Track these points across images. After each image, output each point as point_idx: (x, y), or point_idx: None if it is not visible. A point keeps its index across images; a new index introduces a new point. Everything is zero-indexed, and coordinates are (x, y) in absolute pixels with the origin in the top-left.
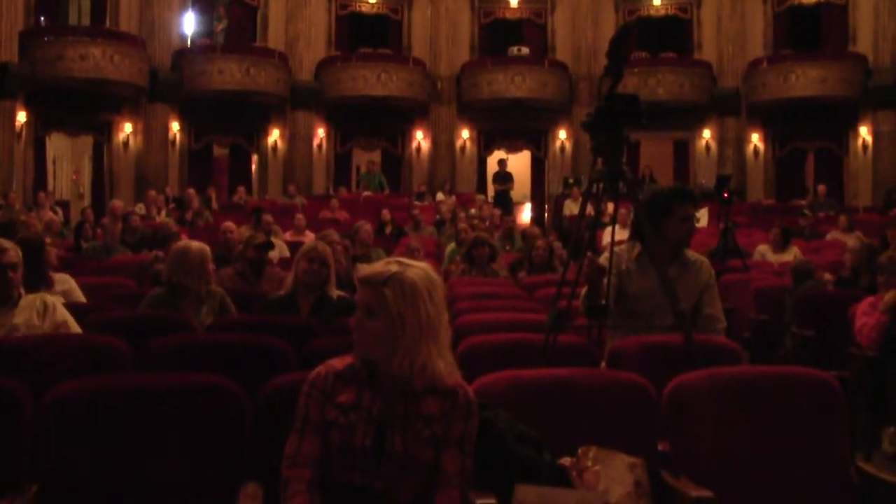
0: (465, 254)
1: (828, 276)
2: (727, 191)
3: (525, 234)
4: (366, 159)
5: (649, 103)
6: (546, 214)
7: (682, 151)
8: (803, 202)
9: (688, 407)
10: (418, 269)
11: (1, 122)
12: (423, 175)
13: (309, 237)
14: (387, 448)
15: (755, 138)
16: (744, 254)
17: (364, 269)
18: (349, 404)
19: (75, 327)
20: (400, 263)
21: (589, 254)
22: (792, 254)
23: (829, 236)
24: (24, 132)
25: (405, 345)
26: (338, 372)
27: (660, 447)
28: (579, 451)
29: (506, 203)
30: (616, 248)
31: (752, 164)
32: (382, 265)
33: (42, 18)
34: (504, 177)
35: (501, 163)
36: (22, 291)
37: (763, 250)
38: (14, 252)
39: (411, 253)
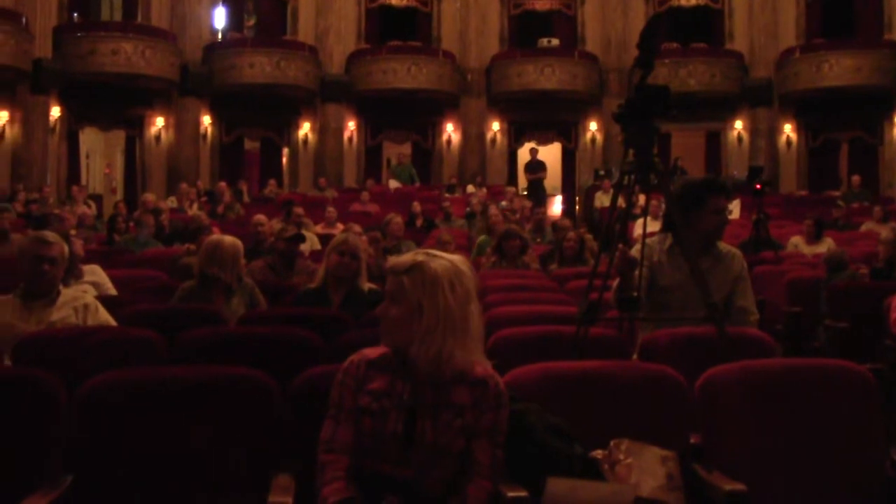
0: (496, 246)
1: (863, 270)
2: (759, 182)
3: (556, 226)
4: (396, 152)
5: (680, 94)
6: (577, 206)
7: (714, 142)
8: (837, 193)
9: (720, 400)
10: (444, 260)
11: (35, 117)
12: (453, 167)
13: (339, 230)
14: (417, 436)
15: (788, 129)
16: (777, 245)
17: (392, 260)
18: (382, 391)
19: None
20: (427, 254)
21: (620, 245)
22: (825, 245)
23: (863, 227)
24: (57, 127)
25: (423, 333)
26: (371, 360)
27: (692, 440)
28: (611, 443)
29: (539, 193)
30: (647, 240)
31: (784, 154)
32: (411, 255)
33: (75, 15)
34: (536, 166)
35: (533, 151)
36: (61, 288)
37: (796, 242)
38: (58, 247)
39: (442, 245)
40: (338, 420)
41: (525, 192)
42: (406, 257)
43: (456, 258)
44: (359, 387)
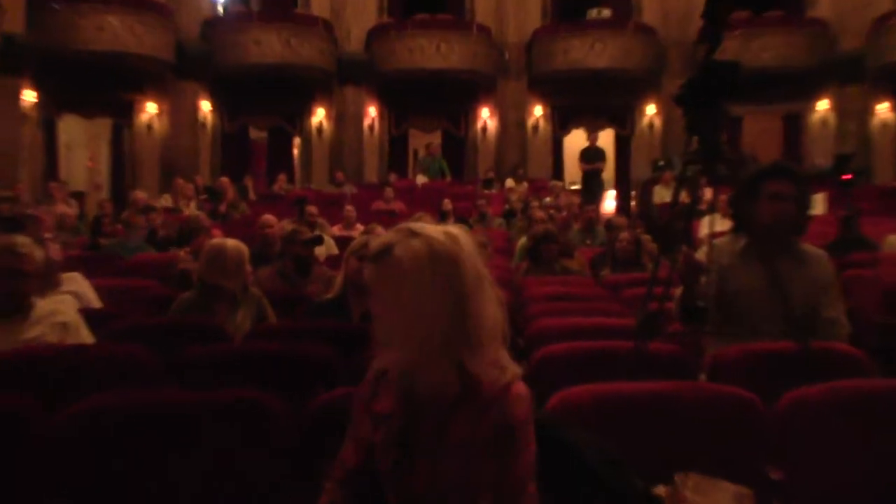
0: (531, 249)
1: None
2: (848, 171)
3: (609, 225)
4: (424, 142)
5: (753, 71)
6: (632, 202)
7: (793, 126)
8: None
9: (804, 427)
10: (426, 238)
11: (5, 103)
12: (489, 159)
13: (359, 231)
14: (406, 481)
15: (882, 109)
16: (870, 245)
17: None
18: (383, 415)
19: None
20: (408, 232)
21: (684, 248)
22: None
23: None
24: (32, 114)
25: (401, 340)
26: (382, 373)
27: (771, 475)
28: (676, 478)
29: (595, 186)
30: (716, 241)
31: (878, 139)
32: (390, 234)
33: None
34: (594, 154)
35: (592, 137)
36: (35, 300)
37: (893, 241)
38: (30, 257)
39: (480, 248)
40: (349, 441)
41: (576, 186)
42: (382, 237)
43: (452, 230)
44: (366, 407)
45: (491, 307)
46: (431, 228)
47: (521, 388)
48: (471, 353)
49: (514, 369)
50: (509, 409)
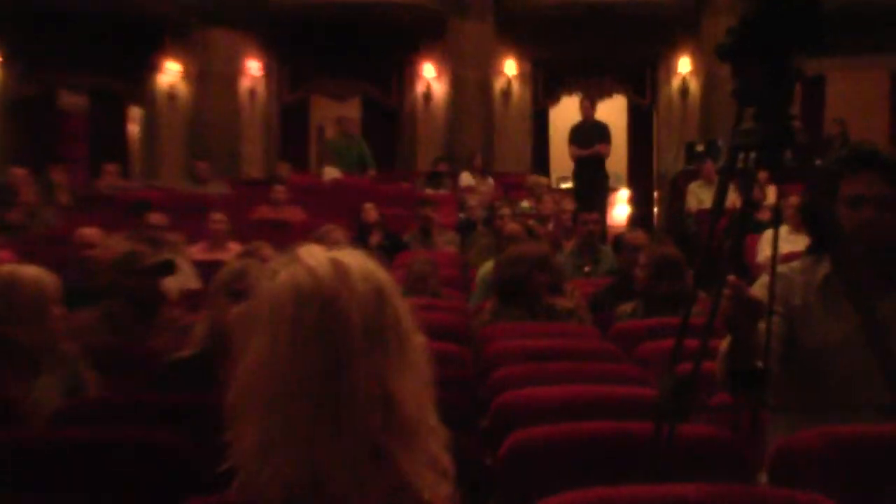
0: (500, 281)
1: None
2: None
3: (620, 243)
4: (334, 115)
5: (839, 8)
6: (654, 208)
7: None
8: None
9: None
10: (299, 268)
11: None
12: (436, 143)
13: (233, 253)
14: None
15: None
16: None
17: None
18: None
19: None
20: (290, 258)
21: (733, 278)
22: None
23: None
24: None
25: (256, 415)
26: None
27: None
28: None
29: (597, 183)
30: (782, 268)
31: None
32: (281, 260)
33: None
34: (592, 132)
35: (586, 105)
36: None
37: None
38: None
39: (419, 281)
40: None
41: (568, 185)
42: (269, 266)
43: (346, 259)
44: None
45: (411, 380)
46: (316, 254)
47: None
48: (398, 443)
49: (446, 488)
50: None
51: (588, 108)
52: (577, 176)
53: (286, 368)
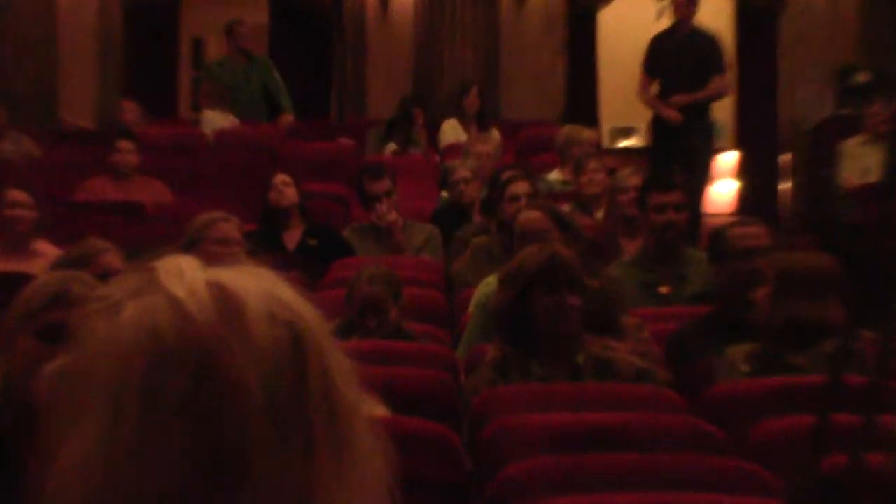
0: (510, 309)
1: None
2: None
3: (722, 245)
4: (221, 21)
5: None
6: (782, 183)
7: None
8: None
9: None
10: (159, 299)
11: None
12: (400, 71)
13: (47, 261)
14: None
15: None
16: None
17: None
18: None
19: None
20: (150, 278)
21: None
22: None
23: None
24: None
25: None
26: None
27: None
28: None
29: (691, 137)
30: None
31: None
32: (130, 278)
33: None
34: (689, 51)
35: (679, 3)
36: None
37: None
38: None
39: (369, 312)
40: None
41: (632, 142)
42: (111, 286)
43: (238, 283)
44: None
45: (354, 493)
46: (188, 274)
47: None
48: None
49: None
50: None
51: (683, 4)
52: (657, 128)
53: (133, 476)
